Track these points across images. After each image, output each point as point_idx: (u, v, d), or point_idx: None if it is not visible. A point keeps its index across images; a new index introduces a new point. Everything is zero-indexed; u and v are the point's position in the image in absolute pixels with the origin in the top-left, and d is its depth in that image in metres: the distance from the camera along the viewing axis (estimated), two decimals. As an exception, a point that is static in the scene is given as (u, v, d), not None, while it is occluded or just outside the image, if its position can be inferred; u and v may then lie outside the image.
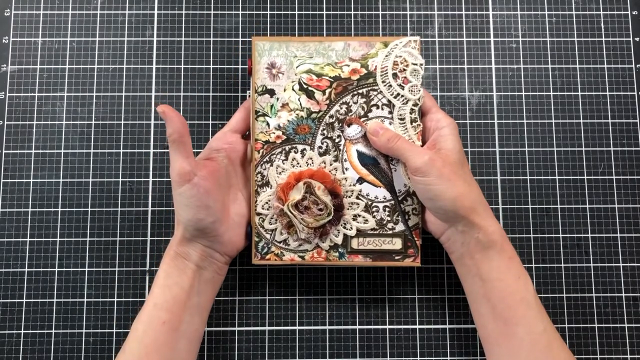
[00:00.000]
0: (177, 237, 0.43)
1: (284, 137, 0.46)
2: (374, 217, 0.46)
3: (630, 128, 0.53)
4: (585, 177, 0.53)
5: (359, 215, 0.46)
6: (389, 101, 0.46)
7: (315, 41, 0.46)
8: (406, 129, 0.46)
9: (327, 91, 0.46)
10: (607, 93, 0.54)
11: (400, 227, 0.46)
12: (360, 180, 0.46)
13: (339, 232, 0.46)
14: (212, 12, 0.54)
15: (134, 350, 0.40)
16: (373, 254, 0.46)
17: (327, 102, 0.46)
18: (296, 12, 0.54)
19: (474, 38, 0.54)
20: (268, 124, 0.46)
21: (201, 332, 0.44)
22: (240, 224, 0.46)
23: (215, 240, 0.43)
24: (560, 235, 0.52)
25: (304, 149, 0.46)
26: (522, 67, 0.54)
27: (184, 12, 0.54)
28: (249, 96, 0.53)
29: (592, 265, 0.51)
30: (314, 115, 0.46)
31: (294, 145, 0.46)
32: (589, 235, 0.52)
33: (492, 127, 0.53)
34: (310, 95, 0.46)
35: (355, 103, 0.46)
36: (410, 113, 0.46)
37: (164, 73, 0.53)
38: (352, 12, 0.54)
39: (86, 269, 0.51)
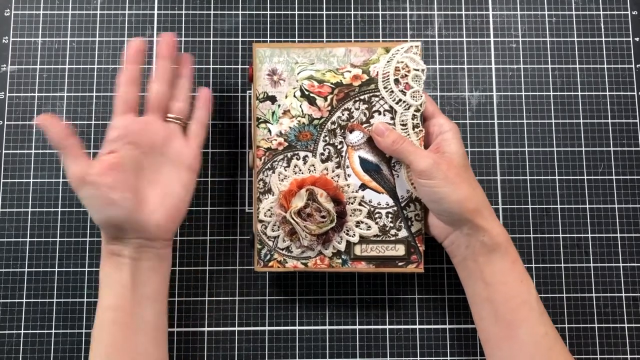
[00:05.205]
0: (105, 238, 0.42)
1: (286, 143, 0.46)
2: (376, 223, 0.46)
3: (630, 128, 0.53)
4: (585, 177, 0.53)
5: (362, 222, 0.46)
6: (391, 107, 0.46)
7: (317, 47, 0.46)
8: (408, 134, 0.45)
9: (329, 97, 0.46)
10: (607, 93, 0.54)
11: (403, 233, 0.46)
12: (363, 186, 0.46)
13: (341, 239, 0.46)
14: (212, 12, 0.54)
15: (95, 354, 0.40)
16: (376, 261, 0.46)
17: (329, 108, 0.46)
18: (296, 13, 0.54)
19: (474, 38, 0.54)
20: (270, 131, 0.46)
21: (160, 323, 0.43)
22: (165, 204, 0.43)
23: (140, 229, 0.41)
24: (560, 235, 0.52)
25: (306, 156, 0.46)
26: (522, 67, 0.54)
27: (184, 12, 0.54)
28: (250, 99, 0.53)
29: (592, 265, 0.51)
30: (315, 122, 0.46)
31: (296, 152, 0.46)
32: (589, 235, 0.52)
33: (492, 127, 0.53)
34: (311, 101, 0.46)
35: (357, 109, 0.46)
36: (413, 119, 0.46)
37: (164, 73, 0.53)
38: (352, 13, 0.54)
39: (86, 269, 0.51)
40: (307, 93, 0.46)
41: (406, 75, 0.45)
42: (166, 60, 0.45)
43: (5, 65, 0.53)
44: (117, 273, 0.42)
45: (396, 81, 0.46)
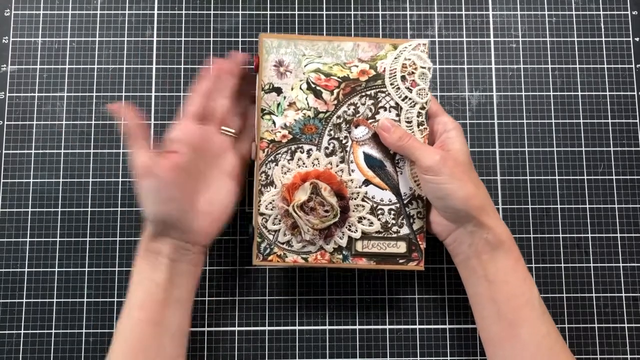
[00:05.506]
0: (147, 234, 0.43)
1: (290, 136, 0.46)
2: (379, 219, 0.46)
3: (630, 128, 0.53)
4: (585, 177, 0.53)
5: (364, 218, 0.46)
6: (397, 104, 0.46)
7: (325, 40, 0.46)
8: (413, 132, 0.45)
9: (335, 91, 0.46)
10: (607, 93, 0.54)
11: (405, 230, 0.46)
12: (366, 182, 0.46)
13: (343, 235, 0.46)
14: (212, 12, 0.54)
15: (118, 351, 0.41)
16: (377, 257, 0.46)
17: (335, 102, 0.46)
18: (296, 12, 0.54)
19: (474, 38, 0.54)
20: (274, 123, 0.46)
21: (185, 327, 0.43)
22: (210, 212, 0.44)
23: (185, 230, 0.43)
24: (560, 235, 0.52)
25: (310, 149, 0.46)
26: (522, 67, 0.54)
27: (184, 12, 0.54)
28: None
29: (592, 265, 0.51)
30: (321, 115, 0.46)
31: (300, 145, 0.46)
32: (589, 235, 0.52)
33: (492, 127, 0.53)
34: (318, 94, 0.46)
35: (362, 104, 0.46)
36: (418, 116, 0.46)
37: (164, 73, 0.53)
38: (352, 12, 0.54)
39: (86, 269, 0.51)
40: (313, 86, 0.46)
41: (413, 73, 0.45)
42: (237, 78, 0.47)
43: (5, 65, 0.53)
44: (152, 271, 0.42)
45: (403, 78, 0.46)
